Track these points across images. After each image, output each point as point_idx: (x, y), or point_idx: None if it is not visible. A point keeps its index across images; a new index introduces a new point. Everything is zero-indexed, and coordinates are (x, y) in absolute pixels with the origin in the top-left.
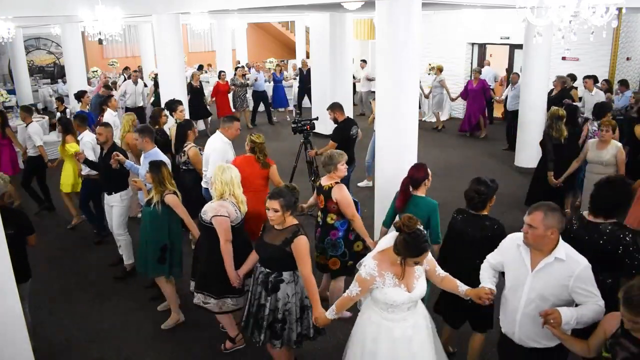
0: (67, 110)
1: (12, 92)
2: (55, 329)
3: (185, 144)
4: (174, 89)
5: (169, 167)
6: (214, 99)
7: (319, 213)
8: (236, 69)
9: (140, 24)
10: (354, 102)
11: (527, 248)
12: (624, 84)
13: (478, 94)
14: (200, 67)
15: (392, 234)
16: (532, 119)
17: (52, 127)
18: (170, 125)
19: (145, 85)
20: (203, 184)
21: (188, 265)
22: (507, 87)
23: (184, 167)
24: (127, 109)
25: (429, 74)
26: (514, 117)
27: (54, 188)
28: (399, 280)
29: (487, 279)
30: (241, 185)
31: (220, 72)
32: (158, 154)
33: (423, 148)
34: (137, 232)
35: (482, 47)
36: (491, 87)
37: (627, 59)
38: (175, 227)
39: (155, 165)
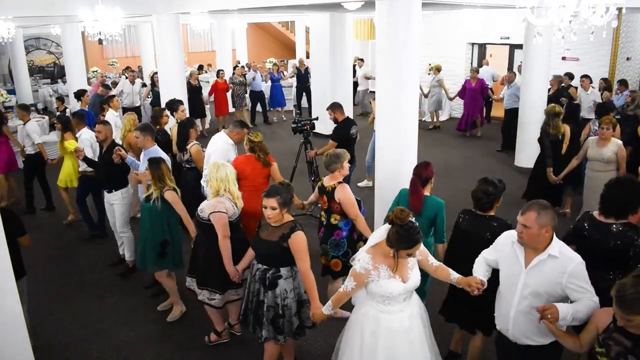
0: (67, 110)
1: (12, 92)
2: (55, 329)
3: (188, 142)
4: (174, 89)
5: (169, 164)
6: (212, 96)
7: (322, 213)
8: (235, 67)
9: (140, 24)
10: (354, 102)
11: (521, 245)
12: (623, 83)
13: (477, 94)
14: (200, 67)
15: (384, 227)
16: (532, 119)
17: (52, 127)
18: (171, 125)
19: (145, 85)
20: (202, 183)
21: (186, 262)
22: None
23: (186, 166)
24: (125, 109)
25: (429, 74)
26: (510, 115)
27: (56, 186)
28: (393, 272)
29: (479, 272)
30: (243, 185)
31: (218, 70)
32: (158, 152)
33: (423, 148)
34: (138, 228)
35: (482, 47)
36: (489, 86)
37: (627, 59)
38: (175, 222)
39: (155, 162)
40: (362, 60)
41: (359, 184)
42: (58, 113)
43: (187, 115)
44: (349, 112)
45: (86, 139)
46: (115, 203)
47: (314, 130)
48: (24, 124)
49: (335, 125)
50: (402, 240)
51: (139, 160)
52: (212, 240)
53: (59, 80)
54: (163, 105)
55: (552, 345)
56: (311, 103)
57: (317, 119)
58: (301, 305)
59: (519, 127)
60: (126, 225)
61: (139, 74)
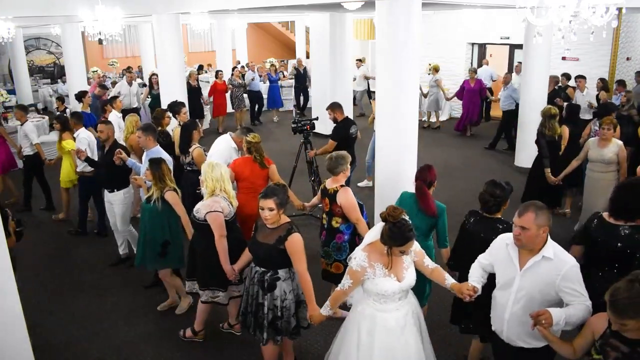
0: (67, 110)
1: (12, 92)
2: (55, 329)
3: (191, 145)
4: (173, 89)
5: (171, 166)
6: (211, 98)
7: (324, 216)
8: (233, 68)
9: (140, 24)
10: (354, 102)
11: (516, 247)
12: (621, 84)
13: (475, 94)
14: (200, 67)
15: (379, 225)
16: (532, 119)
17: (52, 127)
18: (173, 127)
19: (145, 85)
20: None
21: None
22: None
23: (188, 168)
24: (122, 111)
25: (429, 74)
26: (507, 117)
27: (56, 186)
28: (389, 270)
29: (474, 278)
30: (242, 186)
31: (217, 71)
32: (160, 152)
33: (423, 148)
34: (138, 228)
35: (482, 47)
36: (488, 86)
37: (627, 59)
38: (175, 223)
39: (155, 162)
40: (360, 60)
41: (359, 184)
42: (58, 113)
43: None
44: (349, 112)
45: (84, 139)
46: (116, 203)
47: (314, 130)
48: (21, 125)
49: (335, 125)
50: (394, 237)
51: (141, 161)
52: (209, 240)
53: (59, 80)
54: (162, 106)
55: (545, 349)
56: (307, 103)
57: (317, 119)
58: (298, 305)
59: (519, 127)
60: (127, 224)
61: (139, 74)
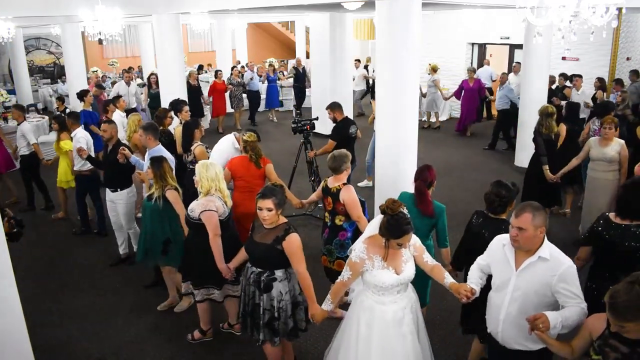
0: (67, 110)
1: (12, 92)
2: (55, 329)
3: (192, 143)
4: (174, 89)
5: (173, 164)
6: (211, 97)
7: (326, 214)
8: (232, 68)
9: (140, 24)
10: (354, 103)
11: (512, 248)
12: (619, 83)
13: (474, 93)
14: (200, 67)
15: (379, 218)
16: (533, 119)
17: (51, 127)
18: (174, 126)
19: (144, 85)
20: None
21: None
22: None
23: (191, 167)
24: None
25: (429, 74)
26: (501, 116)
27: (53, 186)
28: (387, 263)
29: (472, 280)
30: (238, 185)
31: (216, 71)
32: (162, 151)
33: (423, 148)
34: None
35: (482, 47)
36: (487, 85)
37: (627, 59)
38: (176, 221)
39: (157, 160)
40: (358, 60)
41: (359, 184)
42: (58, 113)
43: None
44: (348, 112)
45: (82, 138)
46: (120, 202)
47: (314, 130)
48: (18, 124)
49: (335, 124)
50: (391, 229)
51: (144, 160)
52: (204, 239)
53: (59, 80)
54: (161, 106)
55: (540, 351)
56: (303, 103)
57: (317, 119)
58: (295, 306)
59: (519, 127)
60: (132, 222)
61: (138, 73)
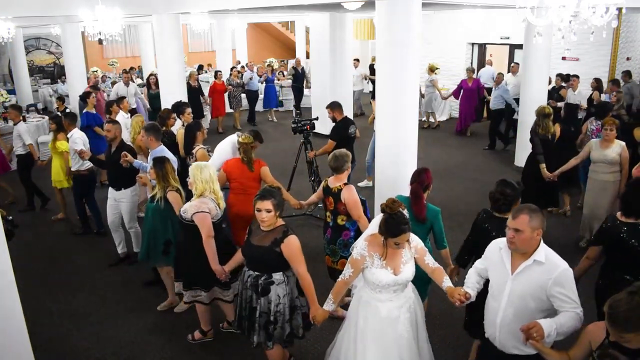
0: (67, 110)
1: (12, 92)
2: (55, 329)
3: (194, 146)
4: (174, 90)
5: (175, 165)
6: (210, 98)
7: (328, 214)
8: (232, 69)
9: (140, 24)
10: (353, 102)
11: (508, 251)
12: (615, 83)
13: (473, 93)
14: (200, 67)
15: (380, 216)
16: (533, 119)
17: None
18: (177, 128)
19: (144, 86)
20: None
21: None
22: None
23: None
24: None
25: (429, 74)
26: (497, 116)
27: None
28: (386, 261)
29: (469, 284)
30: (233, 187)
31: (216, 71)
32: (164, 151)
33: (423, 148)
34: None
35: (482, 47)
36: (488, 86)
37: (627, 59)
38: (177, 222)
39: (159, 161)
40: (357, 60)
41: (359, 184)
42: (57, 113)
43: None
44: (348, 111)
45: (78, 139)
46: (124, 201)
47: (314, 130)
48: (15, 124)
49: (334, 124)
50: (389, 228)
51: (147, 162)
52: (195, 240)
53: (59, 80)
54: (161, 106)
55: (539, 356)
56: (301, 103)
57: (317, 118)
58: (293, 311)
59: (518, 127)
60: (134, 220)
61: (139, 73)
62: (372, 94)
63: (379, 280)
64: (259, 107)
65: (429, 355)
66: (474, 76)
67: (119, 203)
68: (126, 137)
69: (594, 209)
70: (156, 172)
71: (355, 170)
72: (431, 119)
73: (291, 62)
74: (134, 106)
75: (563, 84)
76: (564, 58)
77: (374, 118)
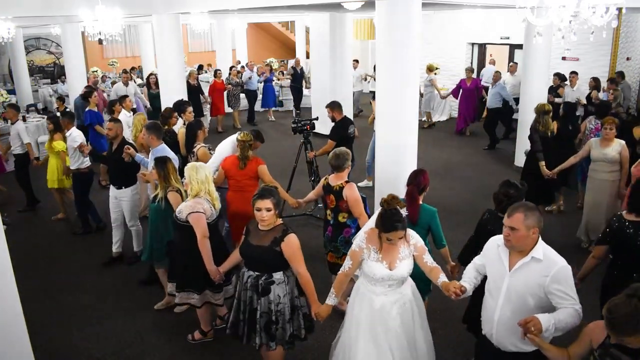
0: (67, 110)
1: (12, 92)
2: (55, 329)
3: (195, 144)
4: (174, 89)
5: (177, 164)
6: (210, 97)
7: (328, 212)
8: (231, 68)
9: (140, 24)
10: (353, 102)
11: (506, 249)
12: (613, 82)
13: (472, 93)
14: (200, 67)
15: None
16: (532, 119)
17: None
18: (178, 127)
19: (143, 85)
20: None
21: None
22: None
23: None
24: None
25: (427, 74)
26: (494, 115)
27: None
28: (382, 256)
29: (465, 279)
30: (230, 184)
31: (216, 70)
32: (165, 150)
33: (423, 148)
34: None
35: (482, 47)
36: (486, 85)
37: (627, 59)
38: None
39: (161, 161)
40: (356, 61)
41: (359, 184)
42: (54, 113)
43: None
44: (348, 111)
45: (77, 137)
46: (125, 199)
47: (314, 130)
48: (12, 124)
49: (333, 124)
50: (382, 222)
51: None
52: (190, 241)
53: (59, 80)
54: (161, 106)
55: (535, 353)
56: (300, 103)
57: (317, 118)
58: (294, 311)
59: (518, 127)
60: (135, 219)
61: (139, 73)
62: (374, 94)
63: (374, 273)
64: (258, 107)
65: (427, 356)
66: (474, 76)
67: (120, 201)
68: (128, 135)
69: (594, 208)
70: (158, 172)
71: (355, 170)
72: (429, 118)
73: (291, 62)
74: (134, 106)
75: (560, 83)
76: (564, 58)
77: (374, 118)
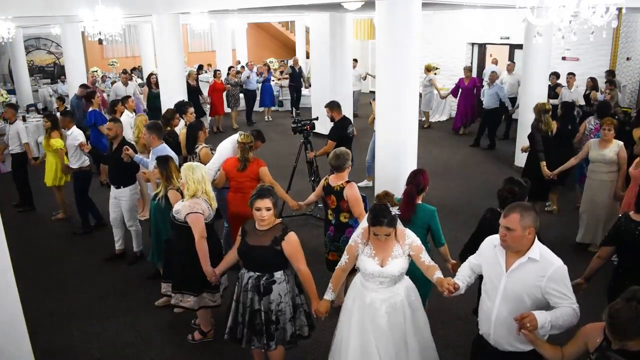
0: (67, 110)
1: (12, 92)
2: (55, 329)
3: (197, 145)
4: (174, 89)
5: (177, 163)
6: (210, 97)
7: (330, 212)
8: (230, 68)
9: (140, 24)
10: (353, 103)
11: (502, 249)
12: (612, 83)
13: (470, 92)
14: (200, 67)
15: None
16: (532, 119)
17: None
18: (180, 127)
19: (142, 85)
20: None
21: None
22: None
23: None
24: None
25: (425, 74)
26: (493, 115)
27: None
28: (376, 252)
29: (459, 276)
30: (231, 185)
31: (215, 70)
32: (165, 150)
33: (422, 148)
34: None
35: (482, 47)
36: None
37: (627, 59)
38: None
39: (163, 160)
40: (355, 60)
41: (359, 184)
42: (59, 113)
43: None
44: (348, 111)
45: (79, 134)
46: (123, 199)
47: (314, 130)
48: (11, 123)
49: (333, 124)
50: (370, 215)
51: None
52: (188, 242)
53: (59, 80)
54: (162, 106)
55: (532, 353)
56: (299, 102)
57: (317, 118)
58: (295, 309)
59: (518, 127)
60: (134, 219)
61: (139, 73)
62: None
63: (364, 268)
64: (257, 107)
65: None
66: (475, 76)
67: (119, 201)
68: (130, 135)
69: (591, 208)
70: (160, 172)
71: (355, 170)
72: (432, 119)
73: (291, 62)
74: None
75: (558, 83)
76: (564, 58)
77: (374, 118)
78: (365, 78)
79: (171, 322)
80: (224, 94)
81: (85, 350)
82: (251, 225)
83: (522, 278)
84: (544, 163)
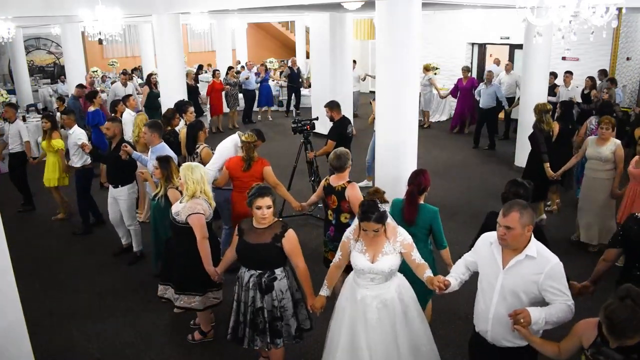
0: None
1: (12, 92)
2: (55, 329)
3: (197, 145)
4: (174, 89)
5: (176, 162)
6: (208, 97)
7: (330, 212)
8: (229, 68)
9: (140, 24)
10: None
11: (499, 246)
12: (613, 82)
13: (468, 92)
14: (200, 67)
15: None
16: (532, 119)
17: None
18: (180, 127)
19: (142, 85)
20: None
21: None
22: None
23: None
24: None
25: (424, 74)
26: (487, 114)
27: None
28: (367, 248)
29: (453, 274)
30: (235, 185)
31: (214, 70)
32: (164, 149)
33: (422, 148)
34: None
35: (482, 47)
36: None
37: (627, 59)
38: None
39: (165, 160)
40: (354, 62)
41: (359, 184)
42: (58, 113)
43: None
44: (348, 111)
45: (82, 133)
46: (122, 198)
47: (314, 130)
48: (11, 123)
49: (332, 124)
50: (359, 209)
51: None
52: (190, 243)
53: (59, 80)
54: (161, 106)
55: (530, 347)
56: (299, 102)
57: (317, 118)
58: (296, 304)
59: (518, 127)
60: (132, 218)
61: (139, 73)
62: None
63: (355, 263)
64: (256, 107)
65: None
66: (474, 75)
67: (117, 200)
68: (130, 136)
69: (589, 206)
70: (162, 172)
71: (355, 170)
72: (432, 119)
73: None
74: None
75: (556, 82)
76: (564, 58)
77: (374, 118)
78: (364, 79)
79: (171, 322)
80: (224, 94)
81: (85, 350)
82: (248, 223)
83: (519, 275)
84: (547, 164)
